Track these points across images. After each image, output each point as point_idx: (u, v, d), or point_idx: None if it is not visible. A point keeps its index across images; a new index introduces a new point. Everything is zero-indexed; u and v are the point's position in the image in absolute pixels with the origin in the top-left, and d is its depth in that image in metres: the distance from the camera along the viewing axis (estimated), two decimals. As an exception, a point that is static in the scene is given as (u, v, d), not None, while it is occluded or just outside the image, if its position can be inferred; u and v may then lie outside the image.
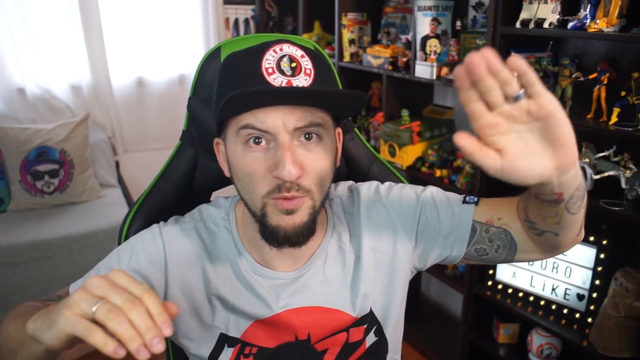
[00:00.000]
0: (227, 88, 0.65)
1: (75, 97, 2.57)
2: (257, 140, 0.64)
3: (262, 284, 0.73)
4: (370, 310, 0.77)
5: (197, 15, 2.75)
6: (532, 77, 0.46)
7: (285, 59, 0.63)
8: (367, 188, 0.81)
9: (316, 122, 0.64)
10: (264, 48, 0.63)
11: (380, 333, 0.79)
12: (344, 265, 0.76)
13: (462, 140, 0.48)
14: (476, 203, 0.77)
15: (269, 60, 0.62)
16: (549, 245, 0.71)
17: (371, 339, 0.78)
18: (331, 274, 0.76)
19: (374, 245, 0.77)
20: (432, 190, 0.79)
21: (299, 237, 0.66)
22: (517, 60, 0.46)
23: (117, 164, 2.68)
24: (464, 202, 0.77)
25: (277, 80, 0.61)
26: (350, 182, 0.85)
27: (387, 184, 0.82)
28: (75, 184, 2.27)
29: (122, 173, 2.69)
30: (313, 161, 0.65)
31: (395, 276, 0.78)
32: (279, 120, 0.62)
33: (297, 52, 0.64)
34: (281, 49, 0.63)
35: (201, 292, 0.73)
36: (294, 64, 0.63)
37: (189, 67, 2.81)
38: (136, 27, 2.64)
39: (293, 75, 0.62)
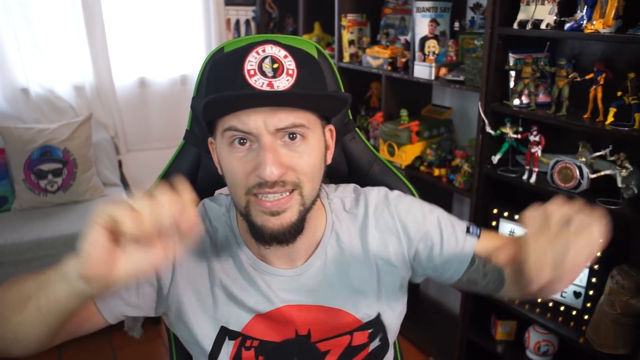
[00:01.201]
0: (210, 90, 0.66)
1: (79, 97, 2.60)
2: (242, 141, 0.65)
3: (263, 278, 0.74)
4: (378, 315, 0.79)
5: (199, 16, 2.76)
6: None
7: (267, 60, 0.63)
8: (377, 194, 0.81)
9: (299, 122, 0.64)
10: (247, 50, 0.64)
11: (384, 339, 0.81)
12: (347, 267, 0.77)
13: None
14: (478, 236, 0.79)
15: (251, 62, 0.63)
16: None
17: (375, 343, 0.80)
18: (332, 274, 0.77)
19: (377, 252, 0.78)
20: (438, 214, 0.80)
21: (286, 236, 0.67)
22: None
23: (120, 163, 2.70)
24: (468, 231, 0.79)
25: (258, 82, 0.62)
26: (354, 185, 0.85)
27: (396, 193, 0.82)
28: (78, 183, 2.29)
29: (125, 172, 2.71)
30: (298, 159, 0.65)
31: (397, 283, 0.80)
32: (260, 121, 0.62)
33: (280, 53, 0.64)
34: (264, 50, 0.64)
35: (205, 282, 0.74)
36: (275, 65, 0.63)
37: (191, 67, 2.83)
38: (138, 28, 2.66)
39: (274, 76, 0.62)
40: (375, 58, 2.08)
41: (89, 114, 2.39)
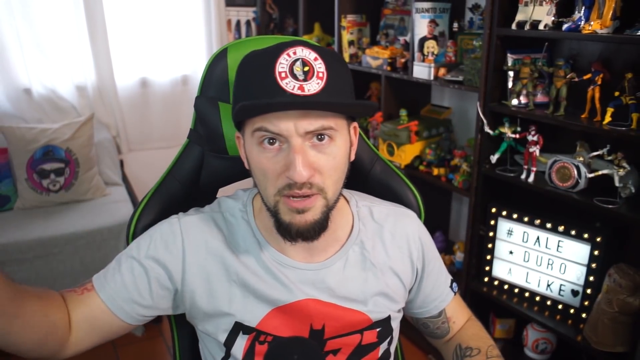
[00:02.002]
0: (242, 91, 0.68)
1: (81, 97, 2.61)
2: (271, 141, 0.66)
3: (283, 272, 0.76)
4: (389, 317, 0.81)
5: (200, 17, 2.78)
6: None
7: (298, 63, 0.64)
8: (416, 224, 0.87)
9: (327, 125, 0.66)
10: (278, 52, 0.65)
11: (390, 343, 0.84)
12: (365, 273, 0.80)
13: None
14: (455, 293, 0.92)
15: (282, 64, 0.64)
16: None
17: (384, 346, 0.82)
18: (351, 277, 0.79)
19: (395, 267, 0.82)
20: (441, 260, 0.91)
21: (311, 233, 0.69)
22: None
23: (122, 163, 2.71)
24: (450, 286, 0.91)
25: (289, 85, 0.63)
26: (385, 201, 0.89)
27: (424, 227, 0.90)
28: (80, 182, 2.31)
29: (127, 171, 2.73)
30: (325, 162, 0.67)
31: (402, 300, 0.85)
32: (290, 124, 0.64)
33: (311, 55, 0.65)
34: (294, 53, 0.64)
35: (220, 279, 0.76)
36: (306, 68, 0.64)
37: (192, 67, 2.84)
38: (140, 28, 2.68)
39: (305, 79, 0.64)
40: (375, 58, 2.09)
41: (90, 114, 2.41)
